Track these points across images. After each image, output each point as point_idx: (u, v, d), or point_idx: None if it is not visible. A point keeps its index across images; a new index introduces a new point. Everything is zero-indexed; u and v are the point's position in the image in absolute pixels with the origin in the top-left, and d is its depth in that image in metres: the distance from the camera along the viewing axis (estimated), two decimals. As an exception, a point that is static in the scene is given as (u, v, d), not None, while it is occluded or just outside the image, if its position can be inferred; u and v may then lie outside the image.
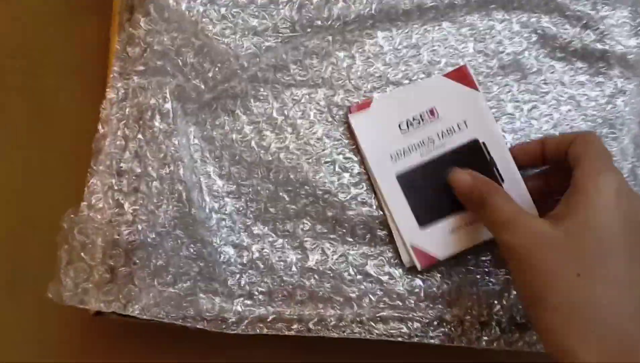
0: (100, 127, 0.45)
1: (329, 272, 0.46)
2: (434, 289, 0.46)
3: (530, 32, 0.50)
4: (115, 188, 0.45)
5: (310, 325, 0.45)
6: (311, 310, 0.45)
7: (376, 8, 0.48)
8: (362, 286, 0.46)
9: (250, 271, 0.46)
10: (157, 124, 0.45)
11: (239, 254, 0.46)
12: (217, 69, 0.45)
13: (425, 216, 0.45)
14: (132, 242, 0.44)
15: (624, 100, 0.49)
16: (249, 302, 0.45)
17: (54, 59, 0.55)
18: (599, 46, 0.49)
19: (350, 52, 0.49)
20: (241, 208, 0.47)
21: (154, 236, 0.44)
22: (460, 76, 0.47)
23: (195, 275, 0.45)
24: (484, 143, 0.45)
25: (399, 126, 0.46)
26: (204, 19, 0.45)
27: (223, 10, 0.46)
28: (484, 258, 0.46)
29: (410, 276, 0.46)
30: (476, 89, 0.46)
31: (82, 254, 0.44)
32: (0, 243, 0.52)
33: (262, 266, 0.46)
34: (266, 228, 0.47)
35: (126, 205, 0.44)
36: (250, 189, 0.47)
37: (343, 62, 0.48)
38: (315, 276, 0.46)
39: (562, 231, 0.36)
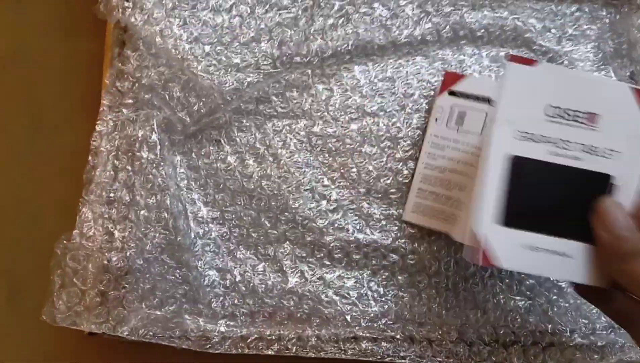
0: (90, 158, 0.48)
1: (308, 294, 0.48)
2: (405, 310, 0.48)
3: (499, 65, 0.52)
4: (106, 216, 0.47)
5: (289, 345, 0.47)
6: (290, 330, 0.48)
7: (353, 44, 0.50)
8: (338, 308, 0.48)
9: (233, 293, 0.48)
10: (144, 155, 0.47)
11: (223, 277, 0.48)
12: (202, 103, 0.48)
13: (513, 216, 0.38)
14: (121, 268, 0.46)
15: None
16: (231, 323, 0.48)
17: (51, 70, 0.56)
18: (563, 79, 0.52)
19: (328, 85, 0.51)
20: (225, 234, 0.49)
21: (141, 262, 0.46)
22: None
23: (181, 297, 0.47)
24: (614, 187, 0.37)
25: (548, 106, 0.38)
26: (189, 56, 0.48)
27: (207, 48, 0.49)
28: (454, 280, 0.49)
29: (383, 299, 0.48)
30: None
31: (74, 279, 0.46)
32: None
33: (244, 288, 0.48)
34: (248, 252, 0.49)
35: (116, 233, 0.47)
36: (233, 216, 0.49)
37: (322, 94, 0.51)
38: (295, 297, 0.48)
39: None
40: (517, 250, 0.38)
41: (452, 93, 0.48)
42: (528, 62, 0.38)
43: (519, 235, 0.38)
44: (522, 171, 0.38)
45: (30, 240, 0.53)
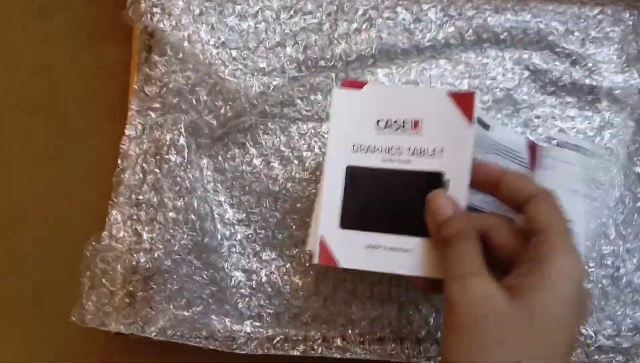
0: (120, 161, 0.48)
1: (332, 295, 0.48)
2: (430, 312, 0.48)
3: (523, 68, 0.52)
4: (134, 218, 0.47)
5: (315, 346, 0.47)
6: (316, 330, 0.48)
7: (376, 48, 0.50)
8: (363, 309, 0.48)
9: (259, 294, 0.48)
10: (172, 158, 0.48)
11: (249, 278, 0.48)
12: (228, 106, 0.48)
13: (351, 219, 0.41)
14: (150, 269, 0.46)
15: (612, 132, 0.51)
16: (257, 324, 0.48)
17: (76, 78, 0.56)
18: (587, 81, 0.51)
19: (352, 88, 0.51)
20: (250, 235, 0.49)
21: (169, 263, 0.46)
22: (464, 101, 0.40)
23: (208, 298, 0.47)
24: (447, 181, 0.39)
25: (377, 121, 0.41)
26: (216, 61, 0.48)
27: (234, 52, 0.49)
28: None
29: (408, 302, 0.48)
30: (471, 121, 0.39)
31: (103, 280, 0.46)
32: (24, 264, 0.54)
33: (269, 289, 0.48)
34: (274, 253, 0.49)
35: (144, 235, 0.47)
36: (259, 218, 0.49)
37: (346, 97, 0.51)
38: (320, 299, 0.48)
39: (514, 309, 0.32)
40: (357, 250, 0.41)
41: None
42: (358, 85, 0.42)
43: (359, 235, 0.41)
44: (358, 178, 0.41)
45: (56, 246, 0.53)
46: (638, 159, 0.51)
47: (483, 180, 0.39)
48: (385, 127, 0.41)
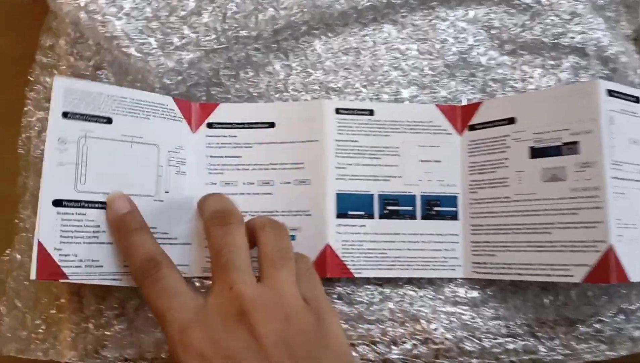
0: (21, 167, 0.38)
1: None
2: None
3: (476, 27, 0.42)
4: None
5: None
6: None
7: (309, 12, 0.39)
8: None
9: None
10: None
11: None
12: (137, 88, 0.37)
13: None
14: (62, 287, 0.37)
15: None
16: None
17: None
18: (549, 36, 0.41)
19: (286, 61, 0.41)
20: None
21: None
22: None
23: (133, 313, 0.38)
24: None
25: None
26: (120, 34, 0.37)
27: (140, 24, 0.38)
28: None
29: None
30: None
31: (16, 301, 0.37)
32: None
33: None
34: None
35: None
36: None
37: (279, 72, 0.40)
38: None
39: None
40: None
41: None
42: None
43: None
44: None
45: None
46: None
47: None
48: None
